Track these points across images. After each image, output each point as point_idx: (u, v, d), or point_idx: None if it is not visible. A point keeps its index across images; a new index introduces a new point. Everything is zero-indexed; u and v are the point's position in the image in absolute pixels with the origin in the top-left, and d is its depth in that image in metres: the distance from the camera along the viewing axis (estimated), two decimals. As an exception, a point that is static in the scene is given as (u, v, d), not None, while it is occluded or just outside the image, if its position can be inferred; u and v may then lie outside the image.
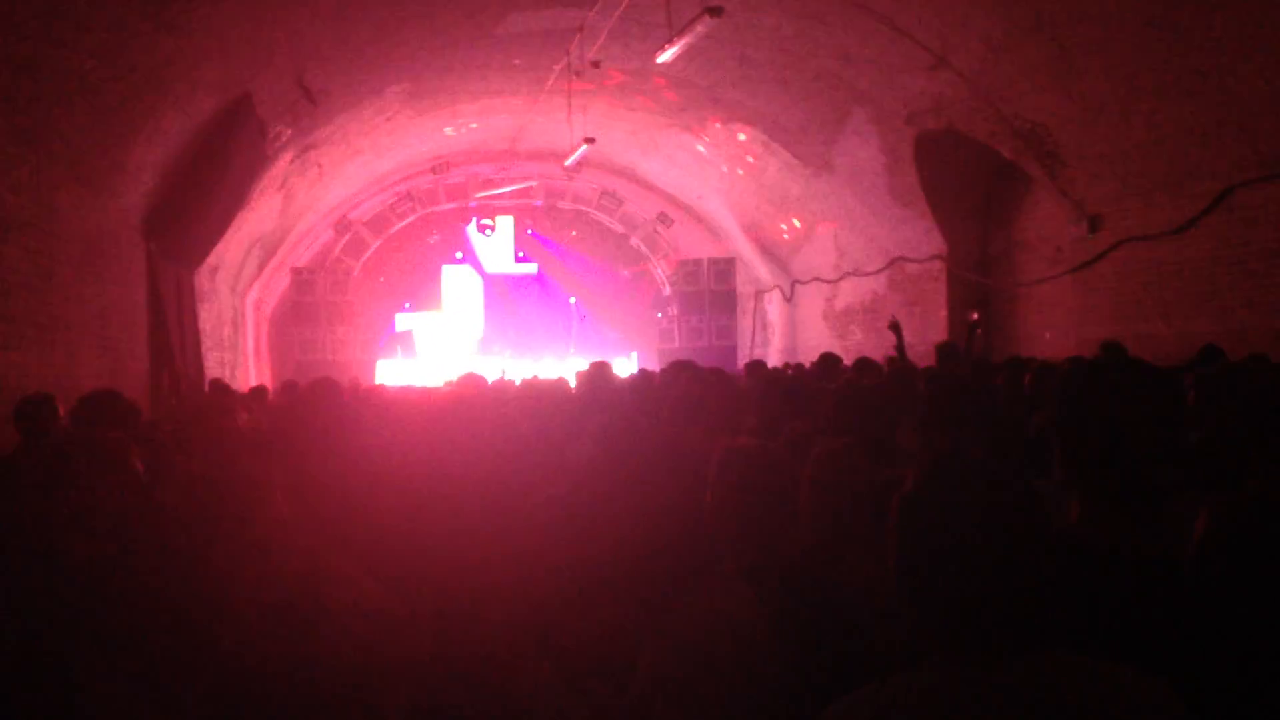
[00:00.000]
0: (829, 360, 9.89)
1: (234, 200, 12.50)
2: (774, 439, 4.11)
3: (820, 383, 8.16)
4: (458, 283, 23.47)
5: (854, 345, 16.43)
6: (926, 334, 14.22)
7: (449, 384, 8.78)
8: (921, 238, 15.00)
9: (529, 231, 23.60)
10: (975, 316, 9.52)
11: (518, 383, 10.09)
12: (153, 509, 2.88)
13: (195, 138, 10.67)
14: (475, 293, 23.53)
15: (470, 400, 5.99)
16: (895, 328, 9.39)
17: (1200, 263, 10.35)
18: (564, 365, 22.11)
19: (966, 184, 14.21)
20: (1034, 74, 10.77)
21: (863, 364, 9.78)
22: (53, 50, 7.39)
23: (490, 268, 23.53)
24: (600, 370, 7.12)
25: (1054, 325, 13.13)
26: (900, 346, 9.65)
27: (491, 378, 9.76)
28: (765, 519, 3.03)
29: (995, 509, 1.78)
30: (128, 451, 2.83)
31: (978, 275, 14.58)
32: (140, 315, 11.26)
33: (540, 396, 6.38)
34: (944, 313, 14.50)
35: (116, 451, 2.81)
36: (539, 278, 23.94)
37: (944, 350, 8.73)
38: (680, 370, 7.42)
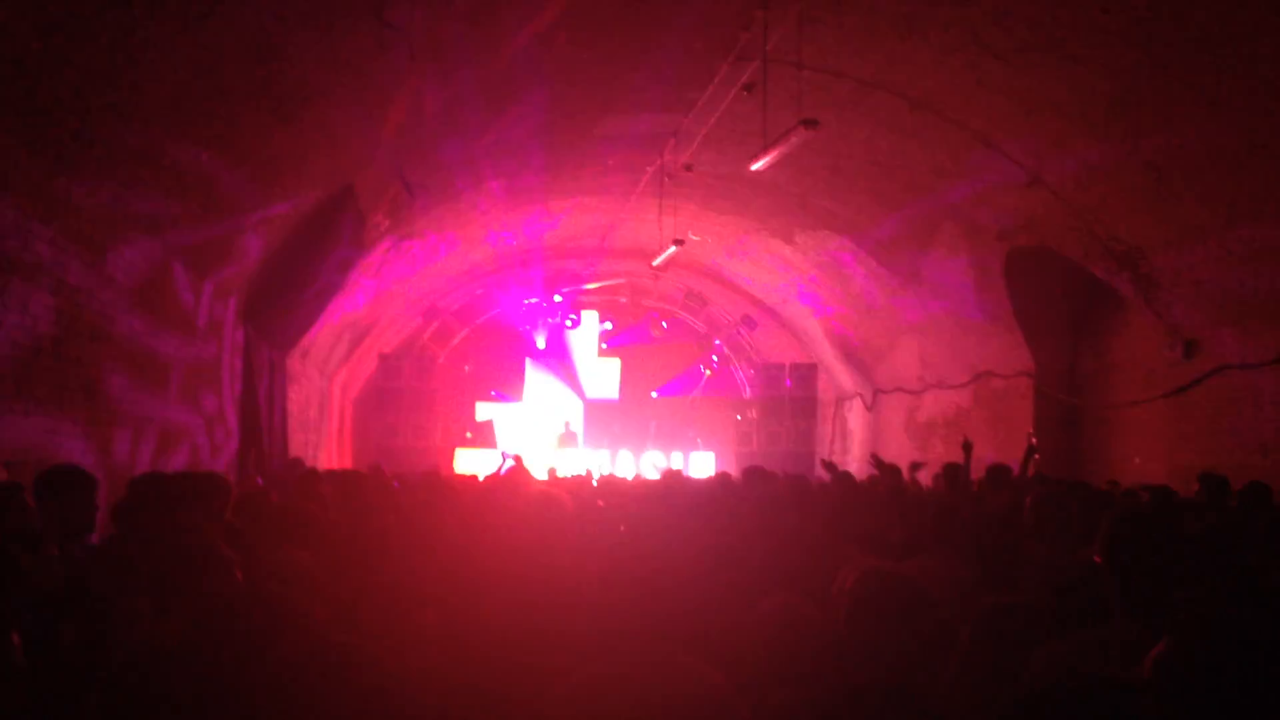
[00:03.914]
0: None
1: (331, 287, 12.81)
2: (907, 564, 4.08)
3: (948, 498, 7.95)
4: (540, 375, 23.69)
5: (935, 458, 16.13)
6: (1010, 451, 13.91)
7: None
8: (1009, 353, 14.81)
9: (610, 326, 23.82)
10: (1034, 440, 9.34)
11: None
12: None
13: (299, 225, 10.99)
14: (556, 385, 23.72)
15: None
16: (967, 447, 9.26)
17: (1301, 394, 10.08)
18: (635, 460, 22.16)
19: (1057, 302, 14.04)
20: (1129, 196, 10.67)
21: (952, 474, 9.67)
22: (173, 141, 7.71)
23: (573, 360, 23.74)
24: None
25: (1144, 450, 12.81)
26: (967, 467, 9.50)
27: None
28: (900, 648, 2.93)
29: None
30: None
31: (1066, 394, 14.32)
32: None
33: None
34: (1029, 430, 14.21)
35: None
36: (620, 373, 24.10)
37: (993, 473, 8.65)
38: (766, 478, 7.45)
